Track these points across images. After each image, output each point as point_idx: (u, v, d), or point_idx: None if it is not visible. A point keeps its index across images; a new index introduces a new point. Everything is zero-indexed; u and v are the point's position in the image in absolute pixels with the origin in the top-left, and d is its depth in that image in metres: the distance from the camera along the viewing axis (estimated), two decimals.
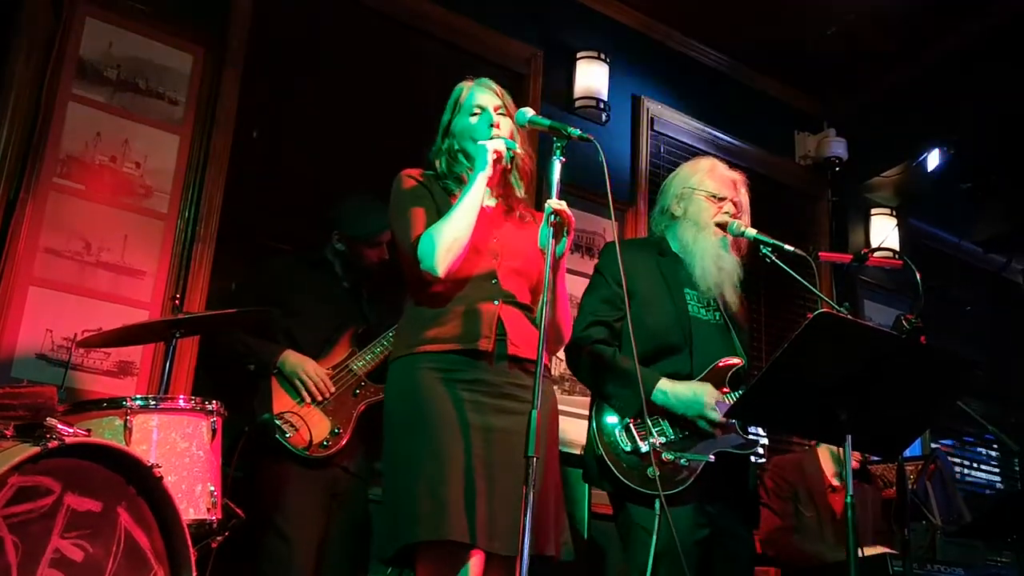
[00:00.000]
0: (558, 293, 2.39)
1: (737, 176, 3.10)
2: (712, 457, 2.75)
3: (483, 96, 2.58)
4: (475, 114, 2.55)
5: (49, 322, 3.23)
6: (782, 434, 4.91)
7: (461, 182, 2.51)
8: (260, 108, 3.91)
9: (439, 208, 2.45)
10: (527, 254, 2.50)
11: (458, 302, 2.40)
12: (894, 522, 4.01)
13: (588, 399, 2.97)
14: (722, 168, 3.10)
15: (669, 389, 2.78)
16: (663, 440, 2.77)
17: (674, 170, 3.23)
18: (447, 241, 2.34)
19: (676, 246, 3.05)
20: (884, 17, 5.06)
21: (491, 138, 2.50)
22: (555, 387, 4.34)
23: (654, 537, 2.61)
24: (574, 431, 4.25)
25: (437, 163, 2.57)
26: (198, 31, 3.74)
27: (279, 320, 3.32)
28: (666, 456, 2.74)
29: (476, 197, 2.40)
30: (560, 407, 4.30)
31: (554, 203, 2.26)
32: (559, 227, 2.25)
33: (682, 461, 2.74)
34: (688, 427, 2.79)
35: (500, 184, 2.58)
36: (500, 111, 2.56)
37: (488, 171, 2.43)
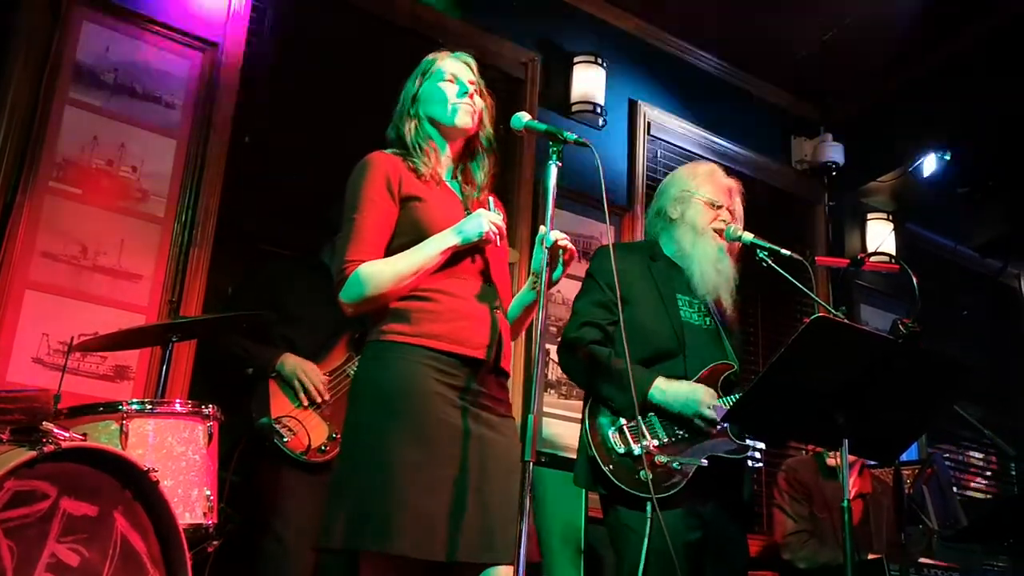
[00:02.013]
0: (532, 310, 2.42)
1: (733, 184, 3.12)
2: (705, 461, 2.75)
3: (459, 67, 2.50)
4: (449, 81, 2.47)
5: (45, 326, 3.23)
6: (779, 442, 4.90)
7: (428, 157, 2.42)
8: (257, 112, 3.91)
9: (409, 204, 2.35)
10: (502, 257, 2.49)
11: (458, 300, 2.32)
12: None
13: (582, 404, 2.96)
14: (721, 175, 3.11)
15: (666, 387, 2.79)
16: (656, 443, 2.77)
17: (670, 173, 3.24)
18: (376, 291, 2.25)
19: (670, 250, 3.06)
20: (880, 22, 5.07)
21: (458, 106, 2.43)
22: (551, 391, 4.37)
23: (645, 540, 2.61)
24: (569, 435, 4.27)
25: (406, 136, 2.44)
26: (195, 35, 3.74)
27: (276, 324, 3.32)
28: (659, 459, 2.75)
29: (431, 260, 2.28)
30: (556, 411, 4.36)
31: (557, 236, 2.25)
32: (558, 258, 2.27)
33: (675, 465, 2.74)
34: (682, 430, 2.79)
35: (467, 178, 2.52)
36: (475, 87, 2.49)
37: (462, 245, 2.31)
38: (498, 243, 2.38)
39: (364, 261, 2.28)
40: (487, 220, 2.33)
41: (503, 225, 2.39)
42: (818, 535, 4.02)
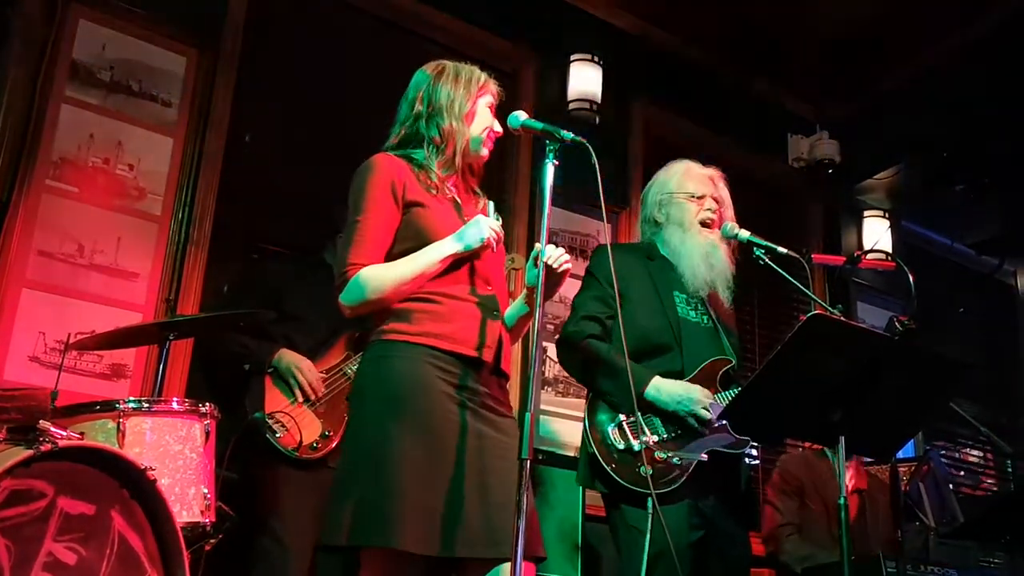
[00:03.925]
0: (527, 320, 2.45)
1: (713, 172, 3.14)
2: (705, 456, 2.76)
3: (494, 99, 2.53)
4: (489, 108, 2.50)
5: (42, 325, 3.23)
6: (775, 441, 4.91)
7: (447, 165, 2.44)
8: (254, 110, 3.91)
9: (412, 210, 2.36)
10: (499, 261, 2.50)
11: (458, 302, 2.34)
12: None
13: (580, 401, 2.97)
14: (696, 167, 3.14)
15: (661, 386, 2.80)
16: (656, 438, 2.78)
17: (649, 181, 3.26)
18: (377, 295, 2.27)
19: (664, 251, 3.07)
20: (877, 21, 5.08)
21: (489, 141, 2.47)
22: (548, 389, 4.37)
23: (647, 537, 2.62)
24: (567, 432, 4.27)
25: (443, 141, 2.43)
26: (192, 33, 3.74)
27: (276, 322, 3.31)
28: (659, 455, 2.75)
29: (432, 266, 2.30)
30: (553, 408, 4.37)
31: (553, 257, 2.27)
32: (552, 278, 2.28)
33: (675, 460, 2.75)
34: (680, 425, 2.80)
35: (465, 185, 2.54)
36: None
37: (463, 252, 2.33)
38: (495, 249, 2.40)
39: (365, 265, 2.30)
40: (487, 227, 2.35)
41: (501, 232, 2.41)
42: (805, 528, 4.03)
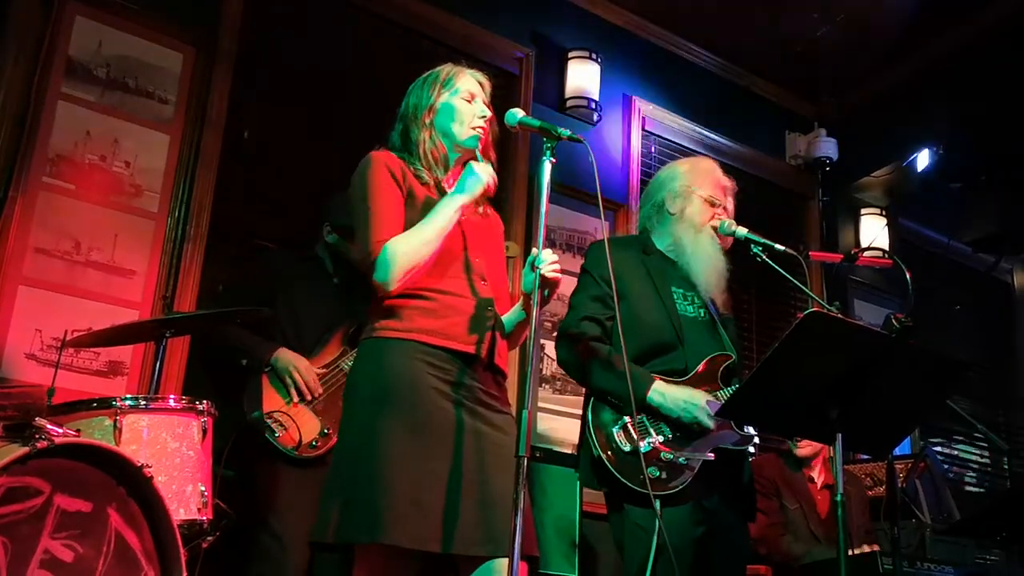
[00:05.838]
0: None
1: (730, 184, 3.12)
2: (711, 455, 2.75)
3: (476, 87, 2.52)
4: (465, 99, 2.49)
5: (38, 322, 3.22)
6: (772, 433, 4.92)
7: (436, 166, 2.45)
8: (251, 107, 3.91)
9: (410, 202, 2.37)
10: (497, 256, 2.49)
11: (451, 297, 2.34)
12: (884, 520, 4.03)
13: (577, 398, 2.96)
14: (720, 173, 3.11)
15: (664, 391, 2.78)
16: (662, 439, 2.76)
17: (668, 165, 3.22)
18: (408, 262, 2.27)
19: (663, 243, 3.05)
20: (875, 18, 5.08)
21: (476, 132, 2.46)
22: (546, 386, 4.37)
23: (655, 537, 2.61)
24: (564, 430, 4.27)
25: (419, 145, 2.46)
26: (188, 30, 3.73)
27: (271, 317, 3.31)
28: (665, 456, 2.74)
29: (449, 221, 2.33)
30: (551, 406, 4.37)
31: (546, 264, 2.25)
32: (547, 284, 2.27)
33: (681, 460, 2.74)
34: (685, 425, 2.79)
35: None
36: (490, 111, 2.52)
37: (471, 199, 2.37)
38: (492, 193, 2.43)
39: (388, 239, 2.30)
40: (483, 171, 2.38)
41: (495, 176, 2.44)
42: (790, 528, 4.04)
